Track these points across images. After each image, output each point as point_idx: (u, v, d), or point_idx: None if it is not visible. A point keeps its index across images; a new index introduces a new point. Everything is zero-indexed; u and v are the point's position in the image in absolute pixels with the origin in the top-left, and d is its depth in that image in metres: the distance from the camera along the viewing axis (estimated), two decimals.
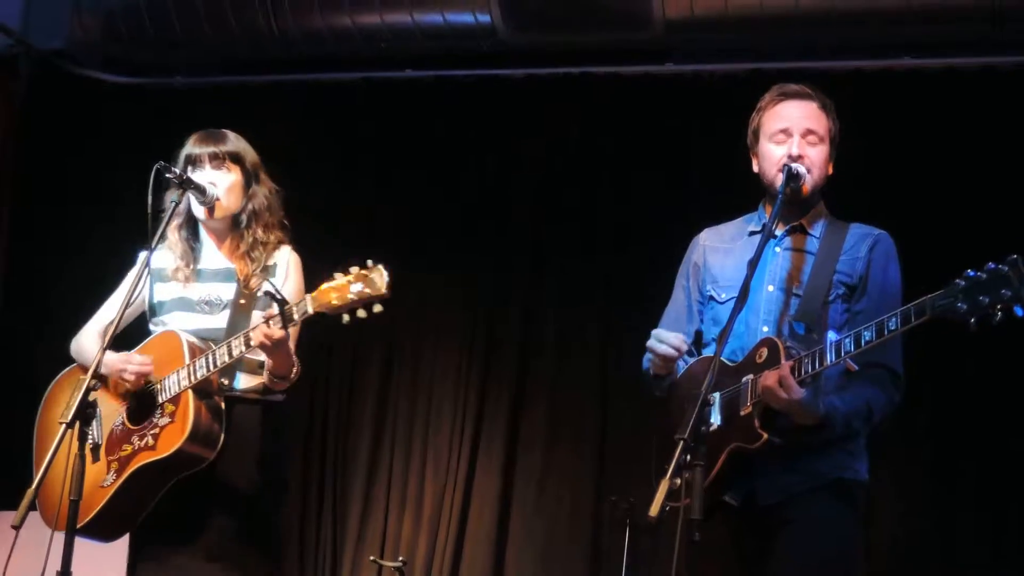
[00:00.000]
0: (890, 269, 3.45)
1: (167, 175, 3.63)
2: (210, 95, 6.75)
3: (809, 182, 3.45)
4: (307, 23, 6.32)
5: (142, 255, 3.84)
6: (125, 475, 3.59)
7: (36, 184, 6.81)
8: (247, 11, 6.30)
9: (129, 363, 3.68)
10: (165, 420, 3.58)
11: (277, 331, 3.41)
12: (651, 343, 3.47)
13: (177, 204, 3.68)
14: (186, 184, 3.66)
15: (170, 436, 3.55)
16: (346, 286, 3.29)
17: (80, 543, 3.36)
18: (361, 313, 3.32)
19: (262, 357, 3.64)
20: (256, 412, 3.69)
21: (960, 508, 5.56)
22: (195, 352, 3.60)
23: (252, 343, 3.48)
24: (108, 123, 6.79)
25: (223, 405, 3.63)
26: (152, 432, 3.60)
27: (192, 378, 3.57)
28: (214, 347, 3.57)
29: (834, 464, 3.35)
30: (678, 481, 3.03)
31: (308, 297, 3.37)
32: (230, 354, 3.53)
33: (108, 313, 3.88)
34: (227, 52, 6.61)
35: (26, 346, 6.53)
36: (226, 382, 3.64)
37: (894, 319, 3.02)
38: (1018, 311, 2.80)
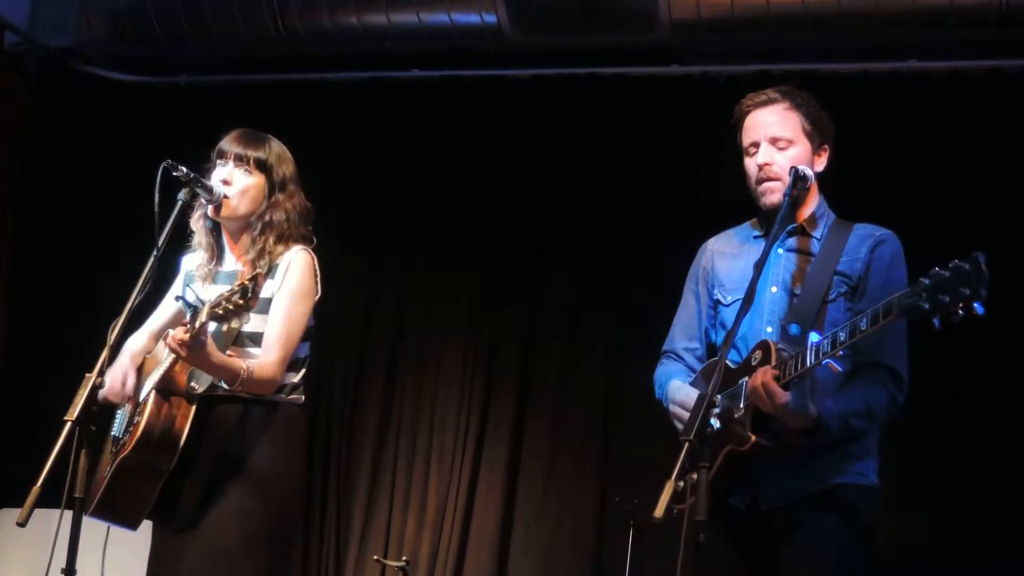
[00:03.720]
0: (894, 269, 3.41)
1: (174, 173, 3.63)
2: (216, 93, 6.77)
3: (780, 188, 3.44)
4: (314, 22, 6.34)
5: (184, 259, 3.89)
6: (112, 468, 3.64)
7: (43, 181, 6.82)
8: (254, 10, 6.32)
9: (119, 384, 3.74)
10: (137, 419, 3.63)
11: (180, 333, 3.41)
12: (675, 410, 3.46)
13: (184, 202, 3.67)
14: (192, 182, 3.65)
15: (134, 435, 3.58)
16: (231, 295, 3.32)
17: (90, 538, 3.38)
18: (236, 324, 3.44)
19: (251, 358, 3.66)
20: (245, 411, 3.67)
21: (963, 518, 5.57)
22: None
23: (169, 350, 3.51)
24: (115, 121, 6.80)
25: (192, 408, 3.62)
26: (131, 430, 3.66)
27: (155, 379, 3.62)
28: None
29: (837, 467, 3.33)
30: (682, 484, 3.04)
31: (207, 305, 3.38)
32: (168, 356, 3.57)
33: (154, 320, 3.93)
34: (233, 51, 6.63)
35: (34, 343, 6.55)
36: (195, 384, 3.64)
37: (864, 319, 3.01)
38: (979, 309, 2.78)
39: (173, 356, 3.54)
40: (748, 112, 3.53)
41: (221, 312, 3.32)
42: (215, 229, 3.84)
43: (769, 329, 3.40)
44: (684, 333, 3.68)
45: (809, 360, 3.12)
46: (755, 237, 3.58)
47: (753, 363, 3.28)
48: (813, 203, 3.54)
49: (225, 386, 3.59)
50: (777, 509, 3.31)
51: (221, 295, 3.34)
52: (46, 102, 6.85)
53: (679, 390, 3.48)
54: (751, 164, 3.50)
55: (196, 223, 3.83)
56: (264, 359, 3.62)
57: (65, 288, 6.57)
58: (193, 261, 3.88)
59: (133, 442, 3.55)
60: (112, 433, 3.80)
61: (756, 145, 3.48)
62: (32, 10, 6.81)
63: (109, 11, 6.57)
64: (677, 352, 3.68)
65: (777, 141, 3.46)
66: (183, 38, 6.50)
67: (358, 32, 6.34)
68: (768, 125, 3.47)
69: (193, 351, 3.41)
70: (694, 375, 3.60)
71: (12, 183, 6.75)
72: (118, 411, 3.83)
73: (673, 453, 2.93)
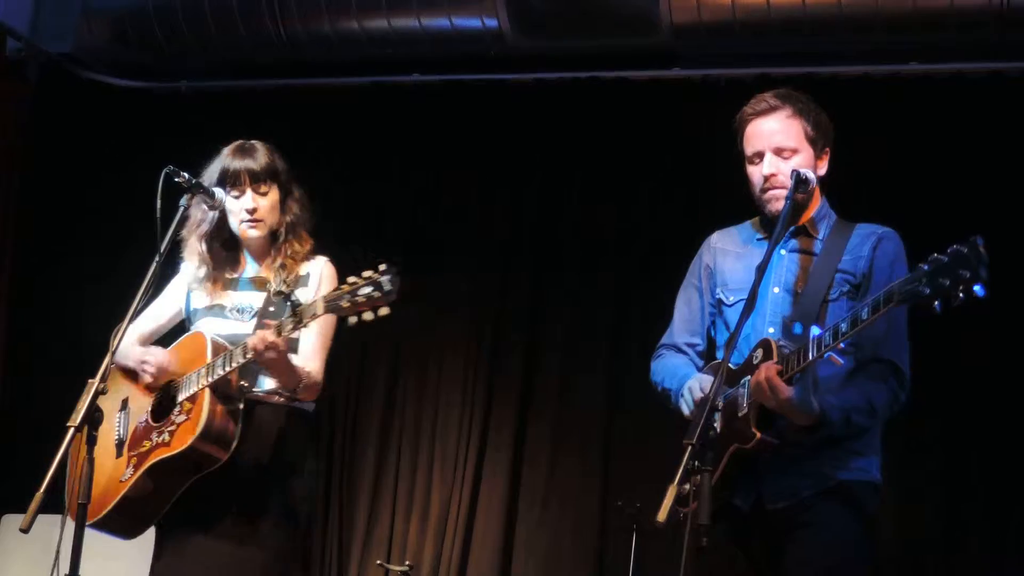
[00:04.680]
0: (896, 266, 3.41)
1: (176, 179, 3.64)
2: (218, 99, 6.77)
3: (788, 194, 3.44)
4: (314, 27, 6.34)
5: (183, 265, 3.89)
6: (141, 470, 3.61)
7: (44, 186, 6.82)
8: (255, 16, 6.31)
9: (148, 355, 3.73)
10: (182, 418, 3.60)
11: (270, 336, 3.42)
12: (689, 392, 3.43)
13: (186, 208, 3.69)
14: (195, 188, 3.67)
15: (184, 433, 3.56)
16: (356, 289, 3.31)
17: (94, 544, 3.37)
18: (368, 316, 3.34)
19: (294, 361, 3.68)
20: (279, 415, 3.70)
21: (966, 513, 5.57)
22: (218, 352, 3.62)
23: (248, 350, 3.49)
24: (116, 127, 6.81)
25: (241, 406, 3.62)
26: (169, 429, 3.62)
27: (209, 377, 3.58)
28: (231, 348, 3.59)
29: (840, 464, 3.33)
30: (686, 487, 3.04)
31: (319, 299, 3.39)
32: (244, 355, 3.54)
33: (145, 321, 3.92)
34: (235, 56, 6.63)
35: (36, 348, 6.56)
36: (246, 384, 3.64)
37: (865, 308, 3.02)
38: (979, 291, 2.78)
39: (234, 363, 3.53)
40: (750, 120, 3.51)
41: (345, 305, 3.30)
42: (226, 243, 3.84)
43: (771, 330, 3.40)
44: (686, 328, 3.67)
45: (811, 353, 3.13)
46: (758, 239, 3.58)
47: (755, 362, 3.28)
48: (816, 206, 3.54)
49: (283, 390, 3.62)
50: (781, 507, 3.31)
51: (341, 289, 3.33)
52: (47, 108, 6.86)
53: (702, 378, 3.44)
54: (755, 173, 3.48)
55: (202, 242, 3.82)
56: (310, 367, 3.68)
57: (67, 293, 6.57)
58: (193, 269, 3.89)
59: (189, 439, 3.52)
60: (114, 437, 3.78)
61: (760, 155, 3.46)
62: (33, 17, 6.81)
63: (110, 17, 6.57)
64: (678, 346, 3.67)
65: (782, 151, 3.44)
66: (184, 44, 6.50)
67: (359, 37, 6.33)
68: (772, 135, 3.45)
69: (278, 354, 3.44)
70: (695, 375, 3.59)
71: (13, 188, 6.75)
72: (118, 414, 3.81)
73: (676, 456, 2.93)
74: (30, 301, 6.71)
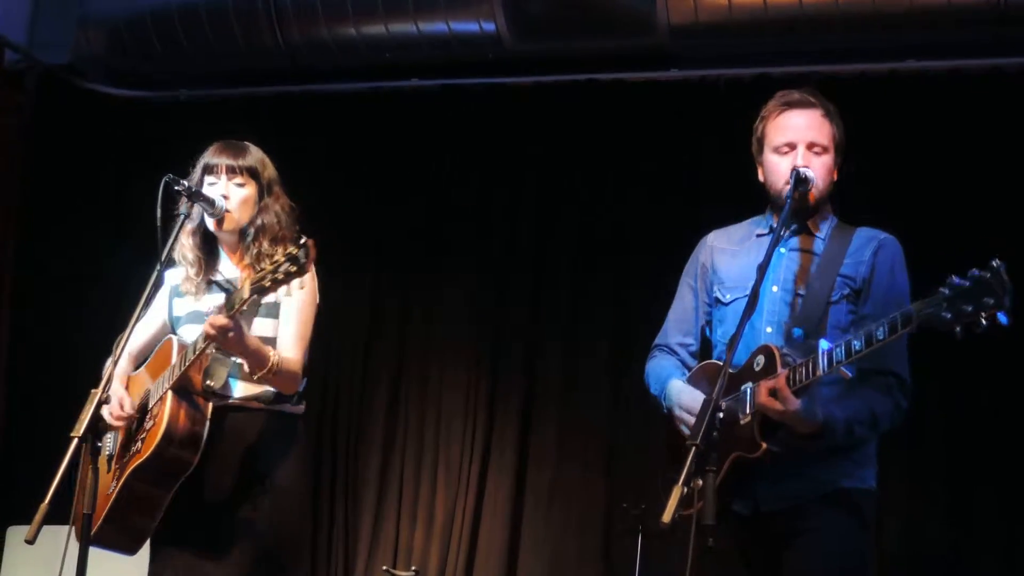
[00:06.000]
0: (896, 273, 3.43)
1: (176, 187, 3.64)
2: (216, 108, 6.77)
3: (815, 191, 3.44)
4: (312, 34, 6.34)
5: (167, 274, 3.87)
6: (121, 481, 3.62)
7: (43, 197, 6.82)
8: (252, 23, 6.32)
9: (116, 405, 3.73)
10: (150, 423, 3.63)
11: (221, 319, 3.42)
12: (680, 409, 3.43)
13: (186, 216, 3.69)
14: (195, 196, 3.67)
15: (151, 438, 3.57)
16: (278, 267, 3.32)
17: (99, 555, 3.37)
18: (286, 292, 3.45)
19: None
20: (256, 420, 3.69)
21: (974, 521, 5.55)
22: (181, 354, 3.62)
23: (202, 339, 3.49)
24: (114, 136, 6.81)
25: (209, 405, 3.63)
26: (141, 437, 3.64)
27: (171, 379, 3.59)
28: (189, 345, 3.59)
29: (838, 472, 3.34)
30: (686, 490, 3.03)
31: (245, 282, 3.39)
32: (194, 349, 3.54)
33: (137, 336, 3.91)
34: (233, 64, 6.63)
35: (38, 359, 6.56)
36: (211, 383, 3.64)
37: (881, 328, 3.01)
38: (1002, 319, 2.79)
39: (190, 357, 3.52)
40: (782, 110, 3.51)
41: (268, 283, 3.31)
42: (206, 241, 3.84)
43: (769, 330, 3.40)
44: (679, 328, 3.68)
45: (822, 367, 3.12)
46: (757, 236, 3.58)
47: (756, 368, 3.28)
48: (824, 209, 3.54)
49: (255, 376, 3.60)
50: (779, 512, 3.31)
51: (264, 268, 3.34)
52: (46, 119, 6.86)
53: (683, 392, 3.46)
54: (783, 163, 3.47)
55: (185, 245, 3.82)
56: (287, 355, 3.66)
57: (67, 303, 6.57)
58: (177, 275, 3.88)
59: (154, 443, 3.53)
60: (106, 453, 3.76)
61: (792, 145, 3.46)
62: (31, 27, 6.82)
63: (107, 27, 6.57)
64: (671, 346, 3.68)
65: (814, 147, 3.45)
66: (182, 53, 6.50)
67: (357, 43, 6.34)
68: (807, 129, 3.46)
69: (234, 334, 3.43)
70: (688, 372, 3.60)
71: (13, 200, 6.76)
72: (107, 433, 3.80)
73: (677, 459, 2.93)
74: (31, 310, 6.70)
